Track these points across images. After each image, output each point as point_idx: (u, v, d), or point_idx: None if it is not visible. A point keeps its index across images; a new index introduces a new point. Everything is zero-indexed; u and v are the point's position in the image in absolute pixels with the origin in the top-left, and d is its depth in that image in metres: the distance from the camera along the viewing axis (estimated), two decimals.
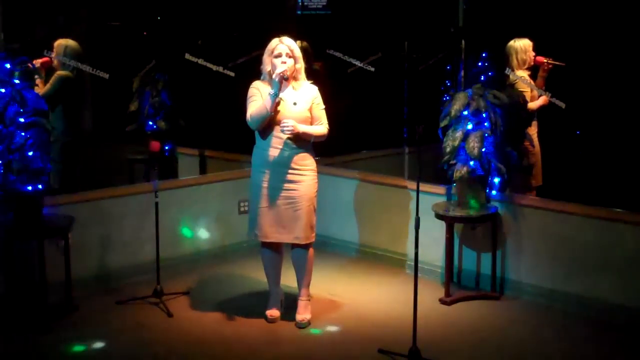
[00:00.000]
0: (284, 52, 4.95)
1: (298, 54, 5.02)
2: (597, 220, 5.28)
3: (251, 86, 5.07)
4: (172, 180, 6.41)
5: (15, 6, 5.49)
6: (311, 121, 5.04)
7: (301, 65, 5.04)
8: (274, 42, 5.00)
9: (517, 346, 4.88)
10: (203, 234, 6.42)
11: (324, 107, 5.10)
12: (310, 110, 5.03)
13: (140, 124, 6.61)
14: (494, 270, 5.65)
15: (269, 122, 4.95)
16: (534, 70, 6.07)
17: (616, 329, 5.08)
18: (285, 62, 4.92)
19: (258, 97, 4.97)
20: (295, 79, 5.04)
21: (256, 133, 5.08)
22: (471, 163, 5.41)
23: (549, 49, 6.08)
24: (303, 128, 4.95)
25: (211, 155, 7.09)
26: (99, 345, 4.85)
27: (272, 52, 4.98)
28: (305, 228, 5.04)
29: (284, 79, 4.88)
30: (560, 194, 5.68)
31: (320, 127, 5.06)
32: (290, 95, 5.02)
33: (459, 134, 5.43)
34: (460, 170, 5.42)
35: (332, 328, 5.14)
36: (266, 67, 5.00)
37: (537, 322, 5.24)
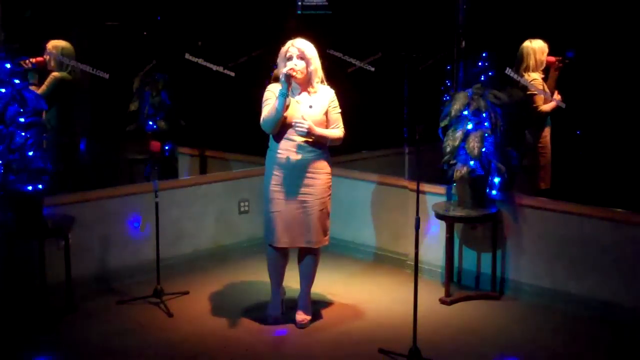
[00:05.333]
0: (294, 54, 4.92)
1: (310, 55, 4.93)
2: (597, 220, 5.28)
3: (267, 89, 5.03)
4: (172, 180, 6.41)
5: (15, 6, 5.49)
6: (327, 124, 5.00)
7: (315, 66, 4.96)
8: (287, 45, 4.96)
9: (517, 346, 4.88)
10: (203, 234, 6.42)
11: (340, 110, 5.05)
12: (326, 113, 5.00)
13: (140, 124, 6.61)
14: (494, 270, 5.65)
15: (282, 124, 4.93)
16: (544, 70, 6.07)
17: (616, 329, 5.08)
18: (295, 64, 4.89)
19: (272, 100, 4.92)
20: (310, 81, 4.99)
21: (270, 136, 5.05)
22: (471, 163, 5.41)
23: (550, 49, 6.08)
24: (319, 131, 4.91)
25: (211, 155, 7.09)
26: (99, 345, 4.85)
27: (285, 55, 4.95)
28: (318, 232, 5.01)
29: (289, 77, 4.81)
30: (561, 194, 5.68)
31: (336, 131, 5.01)
32: (305, 99, 4.98)
33: (459, 134, 5.43)
34: (460, 170, 5.42)
35: (332, 328, 5.14)
36: (280, 70, 4.93)
37: (537, 322, 5.24)
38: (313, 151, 4.96)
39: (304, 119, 4.87)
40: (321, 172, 5.00)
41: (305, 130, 4.85)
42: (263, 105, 4.99)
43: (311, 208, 4.97)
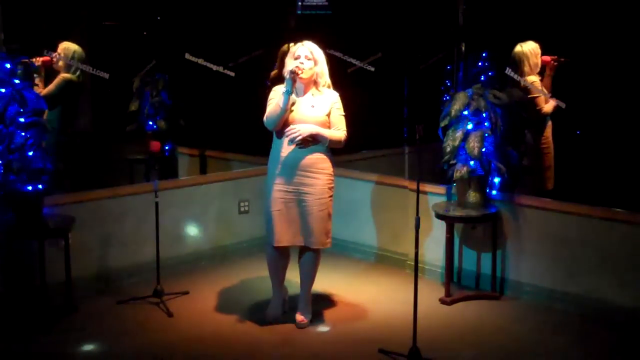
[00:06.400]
0: (303, 54, 4.94)
1: (318, 57, 4.97)
2: (597, 220, 5.28)
3: (272, 90, 5.04)
4: (172, 180, 6.41)
5: (15, 6, 5.49)
6: (329, 126, 4.99)
7: (322, 69, 4.99)
8: (297, 45, 5.00)
9: (517, 346, 4.88)
10: (203, 234, 6.42)
11: (343, 113, 5.04)
12: (328, 115, 5.00)
13: (140, 124, 6.61)
14: (494, 270, 5.65)
15: (285, 122, 4.93)
16: (540, 70, 6.07)
17: (616, 329, 5.08)
18: (302, 63, 4.91)
19: (276, 100, 4.93)
20: (315, 83, 5.00)
21: (273, 135, 5.06)
22: (471, 163, 5.41)
23: (550, 49, 6.08)
24: (316, 130, 4.91)
25: (211, 155, 7.09)
26: (99, 345, 4.85)
27: (294, 54, 4.97)
28: (319, 233, 5.01)
29: (294, 75, 4.82)
30: (561, 194, 5.67)
31: (337, 133, 5.00)
32: (308, 99, 4.99)
33: (459, 134, 5.43)
34: (460, 170, 5.42)
35: (333, 328, 5.14)
36: (287, 69, 4.95)
37: (537, 322, 5.24)
38: (314, 151, 4.95)
39: (292, 128, 4.88)
40: (322, 172, 5.00)
41: (299, 135, 4.86)
42: (268, 104, 5.00)
43: (310, 208, 4.97)
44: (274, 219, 5.00)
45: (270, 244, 5.08)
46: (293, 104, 4.92)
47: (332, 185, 5.07)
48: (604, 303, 5.23)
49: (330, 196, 5.06)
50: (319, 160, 4.98)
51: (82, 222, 5.52)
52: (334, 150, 5.13)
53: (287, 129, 4.91)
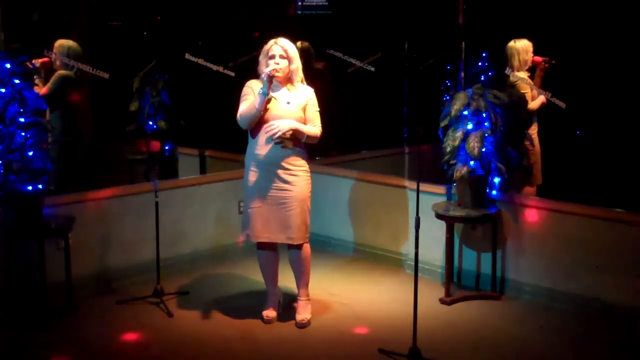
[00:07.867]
0: (277, 53, 4.95)
1: (293, 54, 4.99)
2: (597, 220, 5.28)
3: (245, 85, 5.06)
4: (172, 180, 6.41)
5: (15, 6, 5.49)
6: (304, 122, 5.01)
7: (296, 66, 5.01)
8: (270, 43, 5.00)
9: (517, 346, 4.88)
10: (203, 233, 6.42)
11: (318, 109, 5.07)
12: (304, 111, 5.02)
13: (140, 124, 6.61)
14: (494, 270, 5.65)
15: (259, 121, 4.94)
16: (531, 70, 6.08)
17: (616, 329, 5.08)
18: (277, 63, 4.92)
19: (251, 96, 4.96)
20: (290, 80, 5.03)
21: (248, 133, 5.06)
22: (471, 163, 5.41)
23: (549, 49, 6.09)
24: (295, 125, 4.91)
25: (211, 155, 7.10)
26: (99, 345, 4.85)
27: (267, 52, 4.98)
28: (299, 229, 5.02)
29: (271, 77, 4.84)
30: (560, 194, 5.68)
31: (314, 128, 5.03)
32: (284, 96, 5.01)
33: (459, 134, 5.43)
34: (460, 170, 5.42)
35: (332, 328, 5.14)
36: (262, 67, 4.99)
37: (537, 322, 5.24)
38: (290, 147, 4.96)
39: (271, 124, 4.88)
40: (300, 169, 5.02)
41: (278, 130, 4.87)
42: (241, 100, 5.00)
43: (291, 204, 4.99)
44: (253, 216, 5.02)
45: (245, 234, 5.10)
46: (269, 100, 4.92)
47: (310, 180, 5.10)
48: (604, 303, 5.23)
49: (309, 191, 5.09)
50: (295, 158, 5.00)
51: (82, 222, 5.52)
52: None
53: (265, 126, 4.92)
